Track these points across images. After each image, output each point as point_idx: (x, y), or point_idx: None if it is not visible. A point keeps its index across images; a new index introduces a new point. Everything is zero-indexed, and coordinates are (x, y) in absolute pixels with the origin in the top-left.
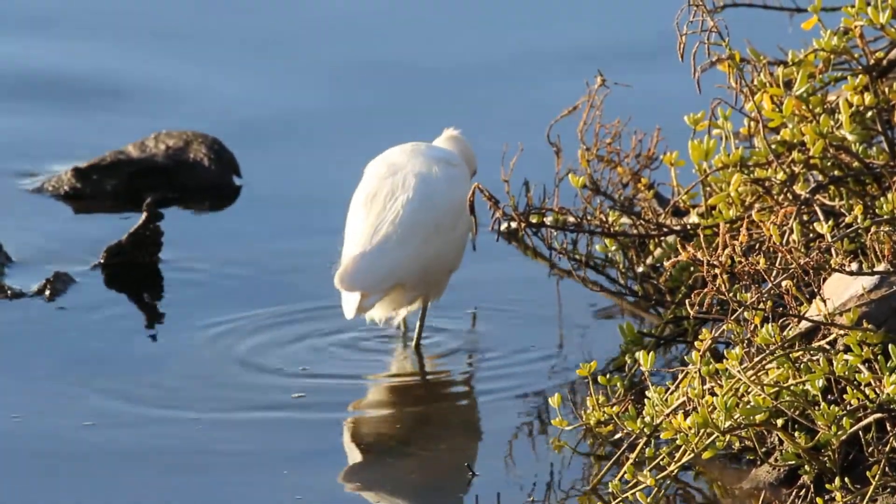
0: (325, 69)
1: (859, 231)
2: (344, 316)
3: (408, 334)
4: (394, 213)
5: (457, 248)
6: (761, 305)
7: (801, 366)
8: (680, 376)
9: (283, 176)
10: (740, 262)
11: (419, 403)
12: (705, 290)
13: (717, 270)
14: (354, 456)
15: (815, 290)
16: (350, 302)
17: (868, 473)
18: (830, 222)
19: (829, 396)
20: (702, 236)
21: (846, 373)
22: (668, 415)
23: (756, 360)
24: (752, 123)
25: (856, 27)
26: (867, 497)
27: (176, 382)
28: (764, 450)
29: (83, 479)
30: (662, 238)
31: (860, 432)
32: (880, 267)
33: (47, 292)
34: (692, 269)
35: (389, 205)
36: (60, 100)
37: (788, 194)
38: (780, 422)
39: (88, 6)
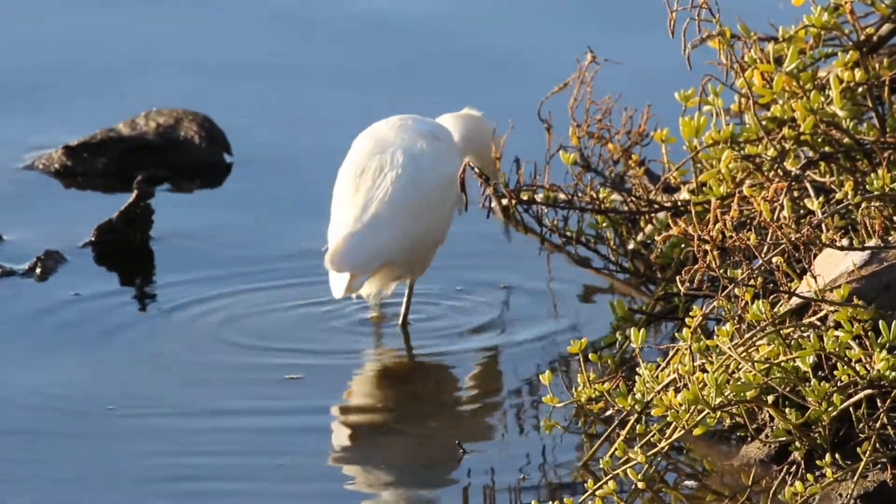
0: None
1: (850, 207)
2: (332, 295)
3: (381, 311)
4: (383, 190)
5: (445, 224)
6: (752, 282)
7: (792, 342)
8: (671, 353)
9: (275, 153)
10: (731, 238)
11: (409, 382)
12: (696, 266)
13: (707, 246)
14: (345, 434)
15: (806, 266)
16: (339, 282)
17: (859, 450)
18: (821, 198)
19: (819, 373)
20: (693, 212)
21: (837, 349)
22: (658, 391)
23: (747, 336)
24: (743, 100)
25: (846, 3)
26: (857, 473)
27: (167, 361)
28: (755, 426)
29: (67, 457)
30: (653, 214)
31: (851, 408)
32: (871, 243)
33: (38, 270)
34: (683, 245)
35: (378, 182)
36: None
37: (779, 170)
38: (770, 398)
39: None
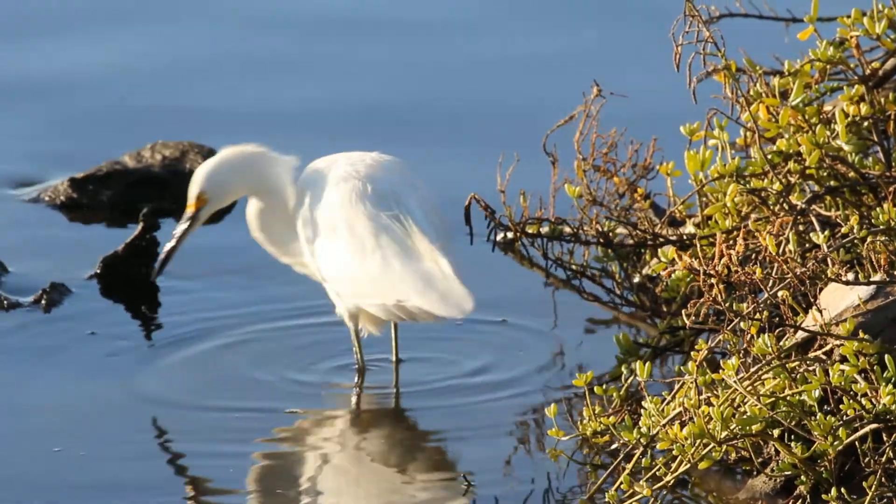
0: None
1: (855, 241)
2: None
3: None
4: (427, 230)
5: None
6: (757, 315)
7: (798, 376)
8: (676, 387)
9: None
10: (736, 272)
11: (412, 415)
12: (701, 300)
13: (713, 280)
14: (350, 469)
15: (812, 300)
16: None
17: (864, 484)
18: (826, 232)
19: (825, 407)
20: (698, 246)
21: (842, 383)
22: (664, 425)
23: (752, 370)
24: (749, 134)
25: (852, 37)
26: None
27: (171, 395)
28: (760, 460)
29: (74, 491)
30: (658, 248)
31: (856, 443)
32: (876, 277)
33: (43, 302)
34: (688, 279)
35: (415, 228)
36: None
37: (784, 204)
38: (776, 432)
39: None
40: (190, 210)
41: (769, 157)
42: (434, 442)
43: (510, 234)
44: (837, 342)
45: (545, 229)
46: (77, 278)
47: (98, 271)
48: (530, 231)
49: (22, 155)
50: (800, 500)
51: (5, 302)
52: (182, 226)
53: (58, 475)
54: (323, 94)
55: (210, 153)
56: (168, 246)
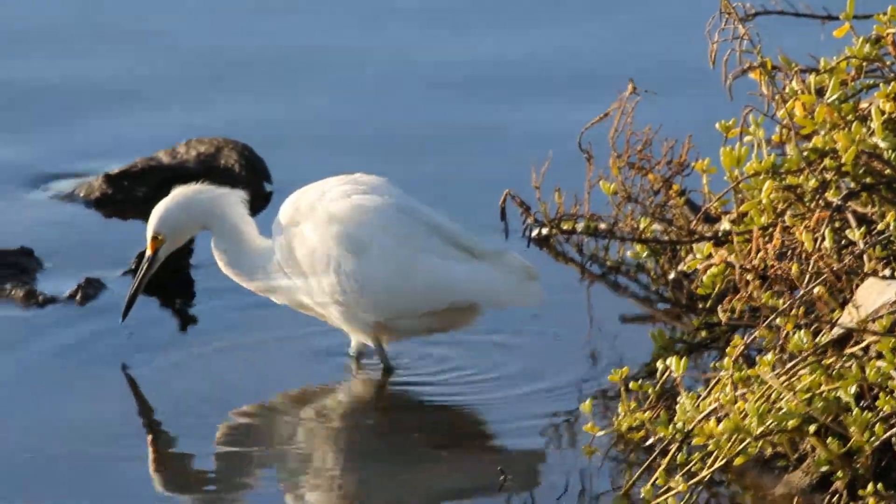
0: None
1: (891, 237)
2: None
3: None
4: (466, 232)
5: None
6: (793, 312)
7: (834, 372)
8: (712, 382)
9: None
10: (772, 268)
11: (449, 409)
12: (737, 296)
13: (749, 276)
14: (385, 462)
15: (848, 296)
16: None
17: None
18: (863, 229)
19: (861, 402)
20: (734, 242)
21: (879, 379)
22: (699, 421)
23: (788, 366)
24: (784, 130)
25: (888, 34)
26: None
27: (204, 391)
28: (796, 456)
29: (111, 486)
30: (694, 244)
31: (893, 438)
32: None
33: (79, 297)
34: (724, 275)
35: (455, 231)
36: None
37: (820, 201)
38: (812, 428)
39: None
40: (149, 252)
41: (805, 153)
42: (469, 436)
43: (545, 231)
44: (874, 338)
45: (580, 226)
46: (112, 274)
47: (133, 266)
48: (565, 227)
49: (57, 151)
50: (836, 496)
51: (41, 297)
52: (143, 267)
53: (92, 469)
54: (338, 102)
55: (244, 150)
56: (130, 290)
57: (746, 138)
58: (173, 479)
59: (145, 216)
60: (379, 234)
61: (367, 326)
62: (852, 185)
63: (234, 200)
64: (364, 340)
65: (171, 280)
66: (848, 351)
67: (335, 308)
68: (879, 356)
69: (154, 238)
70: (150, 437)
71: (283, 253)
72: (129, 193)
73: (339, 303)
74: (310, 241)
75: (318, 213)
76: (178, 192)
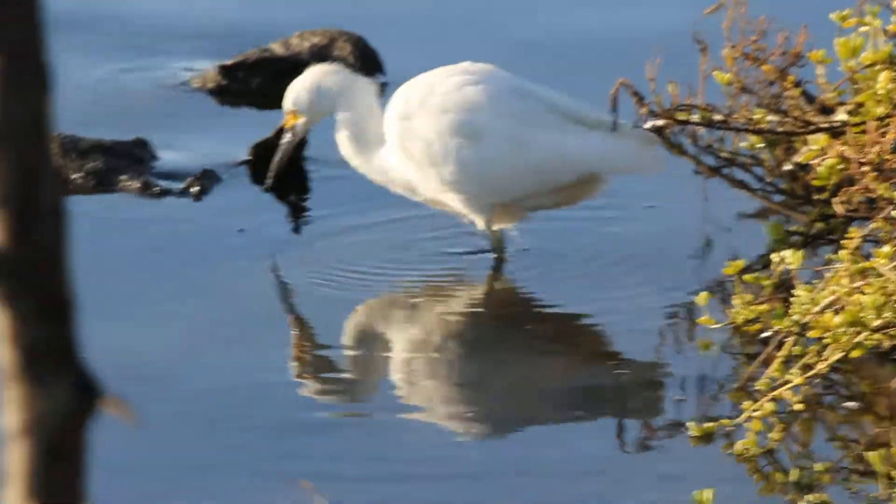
0: None
1: None
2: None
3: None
4: (581, 105)
5: None
6: None
7: None
8: (827, 275)
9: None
10: (889, 160)
11: (561, 302)
12: (853, 188)
13: (865, 168)
14: (499, 353)
15: None
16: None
17: None
18: None
19: None
20: (850, 134)
21: None
22: (816, 313)
23: None
24: None
25: None
26: None
27: (320, 290)
28: None
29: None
30: (809, 136)
31: None
32: None
33: (194, 189)
34: (840, 167)
35: (571, 105)
36: None
37: None
38: None
39: None
40: (288, 124)
41: None
42: (584, 329)
43: (659, 122)
44: None
45: (696, 116)
46: (227, 165)
47: (248, 157)
48: (680, 118)
49: (167, 38)
50: None
51: (156, 189)
52: (285, 137)
53: (206, 381)
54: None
55: (358, 41)
56: (275, 158)
57: (862, 28)
58: (309, 366)
59: (259, 106)
60: (492, 117)
61: (489, 209)
62: None
63: (366, 86)
64: (484, 225)
65: (288, 171)
66: None
67: (455, 195)
68: None
69: (291, 114)
70: (289, 327)
71: (398, 146)
72: (244, 84)
73: (458, 190)
74: (424, 133)
75: (430, 105)
76: (312, 71)
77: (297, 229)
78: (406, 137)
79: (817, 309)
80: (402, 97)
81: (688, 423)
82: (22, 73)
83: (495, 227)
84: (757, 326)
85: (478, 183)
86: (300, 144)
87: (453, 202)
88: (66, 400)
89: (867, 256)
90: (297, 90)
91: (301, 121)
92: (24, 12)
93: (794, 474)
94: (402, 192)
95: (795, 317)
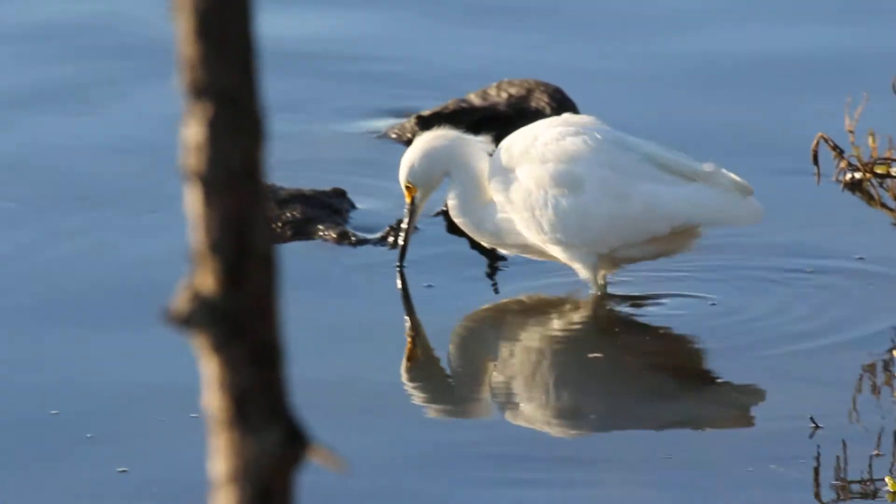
0: None
1: None
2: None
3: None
4: (679, 156)
5: None
6: None
7: None
8: None
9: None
10: None
11: (760, 356)
12: None
13: None
14: (677, 394)
15: None
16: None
17: None
18: None
19: None
20: None
21: None
22: None
23: None
24: None
25: None
26: None
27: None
28: None
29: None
30: None
31: None
32: None
33: (390, 239)
34: None
35: (669, 156)
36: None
37: None
38: None
39: None
40: (407, 200)
41: None
42: (777, 385)
43: (858, 175)
44: None
45: (895, 169)
46: (423, 215)
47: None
48: (879, 171)
49: (373, 92)
50: None
51: (353, 238)
52: (406, 218)
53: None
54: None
55: (556, 92)
56: (400, 240)
57: None
58: (417, 373)
59: None
60: (592, 167)
61: (591, 259)
62: None
63: (476, 146)
64: (587, 274)
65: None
66: None
67: (556, 246)
68: None
69: (407, 188)
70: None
71: (501, 198)
72: None
73: (559, 241)
74: (525, 183)
75: (531, 155)
76: (421, 139)
77: (489, 280)
78: (509, 189)
79: None
80: (505, 148)
81: (884, 478)
82: (235, 119)
83: (600, 280)
84: None
85: (576, 232)
86: None
87: (557, 253)
88: (276, 446)
89: None
90: (409, 161)
91: (418, 194)
92: (238, 58)
93: None
94: (514, 251)
95: None
